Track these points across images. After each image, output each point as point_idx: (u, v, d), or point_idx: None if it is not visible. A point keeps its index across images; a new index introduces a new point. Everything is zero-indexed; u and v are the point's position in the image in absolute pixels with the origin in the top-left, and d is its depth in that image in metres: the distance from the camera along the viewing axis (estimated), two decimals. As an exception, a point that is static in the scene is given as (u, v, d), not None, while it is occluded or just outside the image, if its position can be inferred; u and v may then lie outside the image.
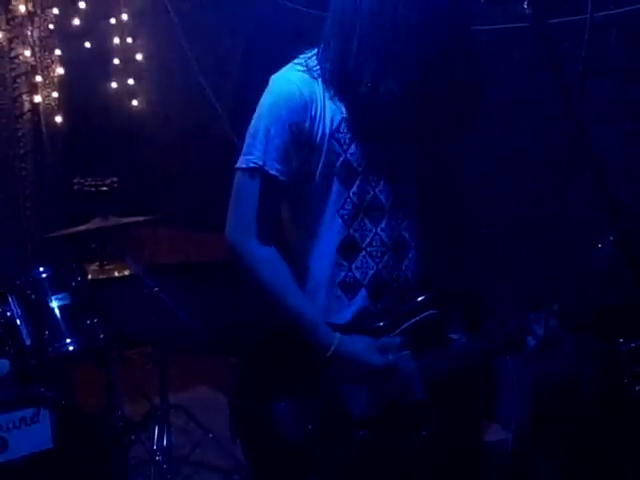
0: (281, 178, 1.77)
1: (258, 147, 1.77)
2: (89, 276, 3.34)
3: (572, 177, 1.43)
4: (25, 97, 4.47)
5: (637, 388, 1.75)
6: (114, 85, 4.87)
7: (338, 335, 1.78)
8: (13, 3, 4.37)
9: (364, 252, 1.83)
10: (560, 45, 1.40)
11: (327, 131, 1.76)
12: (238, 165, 1.81)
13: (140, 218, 3.60)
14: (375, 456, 1.79)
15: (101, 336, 3.01)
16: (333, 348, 1.76)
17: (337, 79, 1.74)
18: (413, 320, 1.82)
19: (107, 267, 3.62)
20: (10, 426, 2.51)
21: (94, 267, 3.60)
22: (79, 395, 3.40)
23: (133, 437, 3.33)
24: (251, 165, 1.78)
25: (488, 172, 3.06)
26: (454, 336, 1.88)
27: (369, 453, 1.78)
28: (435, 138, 1.79)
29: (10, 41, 4.38)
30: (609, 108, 2.84)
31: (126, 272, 3.56)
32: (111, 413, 3.28)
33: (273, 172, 1.76)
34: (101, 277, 3.55)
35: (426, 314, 1.82)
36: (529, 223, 3.06)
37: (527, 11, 1.34)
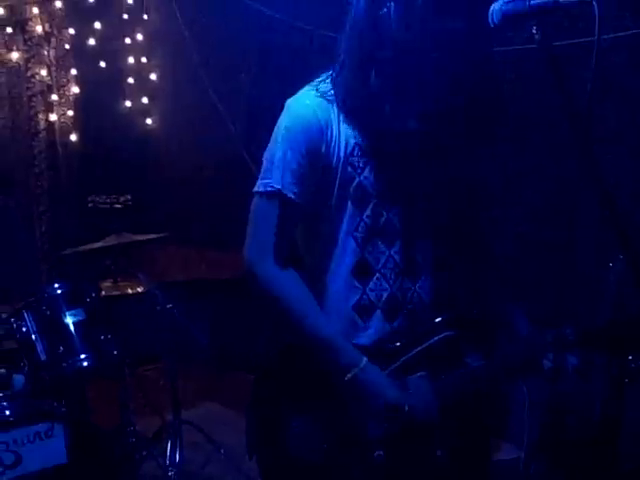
0: (298, 201, 1.78)
1: (275, 171, 1.78)
2: (103, 292, 3.37)
3: (581, 196, 1.45)
4: (41, 116, 4.54)
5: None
6: (128, 104, 4.93)
7: (365, 360, 1.77)
8: (30, 24, 4.45)
9: (378, 274, 1.82)
10: (569, 67, 1.42)
11: (342, 155, 1.77)
12: (256, 189, 1.82)
13: (153, 236, 3.64)
14: (390, 476, 1.78)
15: (115, 352, 3.04)
16: (355, 371, 1.75)
17: (352, 106, 1.74)
18: (430, 341, 1.81)
19: (120, 284, 3.64)
20: (25, 441, 2.53)
21: (108, 284, 3.62)
22: (92, 411, 3.42)
23: (145, 453, 3.33)
24: (269, 189, 1.78)
25: (498, 190, 3.08)
26: (470, 358, 1.86)
27: (384, 473, 1.77)
28: (450, 161, 1.80)
29: (27, 61, 4.46)
30: (619, 128, 2.86)
31: (139, 289, 3.59)
32: (124, 429, 3.29)
33: (290, 195, 1.77)
34: (115, 293, 3.57)
35: (443, 335, 1.81)
36: (539, 241, 3.08)
37: (536, 36, 1.36)
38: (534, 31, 1.37)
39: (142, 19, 4.92)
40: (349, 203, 1.80)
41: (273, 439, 1.84)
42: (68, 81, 4.68)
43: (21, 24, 4.41)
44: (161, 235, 3.68)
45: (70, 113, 4.69)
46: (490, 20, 1.47)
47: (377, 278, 1.83)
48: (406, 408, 1.76)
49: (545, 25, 1.39)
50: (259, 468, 1.90)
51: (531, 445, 2.71)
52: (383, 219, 1.81)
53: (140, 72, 4.96)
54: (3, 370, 2.73)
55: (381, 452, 1.77)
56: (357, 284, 1.84)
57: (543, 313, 1.89)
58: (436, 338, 1.81)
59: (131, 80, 4.94)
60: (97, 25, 4.75)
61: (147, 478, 3.30)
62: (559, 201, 2.90)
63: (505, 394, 2.80)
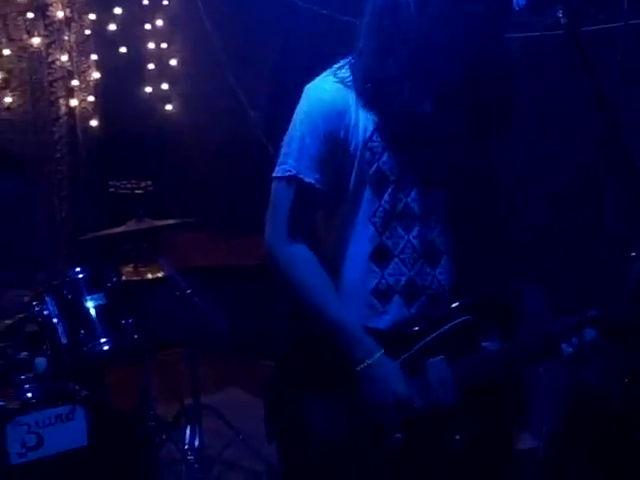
0: (317, 186, 1.79)
1: (293, 156, 1.79)
2: (123, 277, 3.39)
3: (607, 184, 1.43)
4: (61, 101, 4.57)
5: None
6: (148, 90, 4.94)
7: (379, 353, 1.78)
8: (51, 9, 4.47)
9: (396, 259, 1.83)
10: (595, 53, 1.40)
11: (360, 140, 1.78)
12: (275, 174, 1.83)
13: (174, 221, 3.65)
14: (409, 460, 1.79)
15: (135, 336, 3.05)
16: (367, 363, 1.77)
17: (371, 91, 1.75)
18: (448, 325, 1.81)
19: (141, 269, 3.65)
20: (46, 423, 2.54)
21: (128, 269, 3.63)
22: (113, 394, 3.45)
23: (165, 437, 3.36)
24: (287, 174, 1.80)
25: (520, 179, 3.05)
26: (488, 343, 1.87)
27: (403, 457, 1.78)
28: (468, 146, 1.80)
29: (48, 46, 4.48)
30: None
31: (159, 274, 3.60)
32: (144, 413, 3.32)
33: (309, 180, 1.78)
34: (135, 279, 3.58)
35: (461, 320, 1.81)
36: (561, 231, 3.05)
37: (562, 20, 1.35)
38: (560, 15, 1.35)
39: (162, 4, 4.92)
40: (367, 188, 1.81)
41: (292, 423, 1.86)
42: (89, 66, 4.70)
43: (42, 9, 4.43)
44: (181, 220, 3.69)
45: (90, 98, 4.72)
46: (515, 3, 1.46)
47: (396, 263, 1.84)
48: (415, 405, 1.77)
49: (571, 10, 1.37)
50: (279, 453, 1.91)
51: (550, 435, 2.70)
52: (402, 204, 1.82)
53: (160, 58, 4.97)
54: (26, 353, 2.75)
55: (399, 435, 1.78)
56: (375, 269, 1.84)
57: (565, 301, 1.88)
58: (454, 322, 1.82)
59: (151, 66, 4.95)
60: (117, 10, 4.76)
61: (166, 462, 3.32)
62: (583, 189, 2.87)
63: (525, 383, 2.79)
